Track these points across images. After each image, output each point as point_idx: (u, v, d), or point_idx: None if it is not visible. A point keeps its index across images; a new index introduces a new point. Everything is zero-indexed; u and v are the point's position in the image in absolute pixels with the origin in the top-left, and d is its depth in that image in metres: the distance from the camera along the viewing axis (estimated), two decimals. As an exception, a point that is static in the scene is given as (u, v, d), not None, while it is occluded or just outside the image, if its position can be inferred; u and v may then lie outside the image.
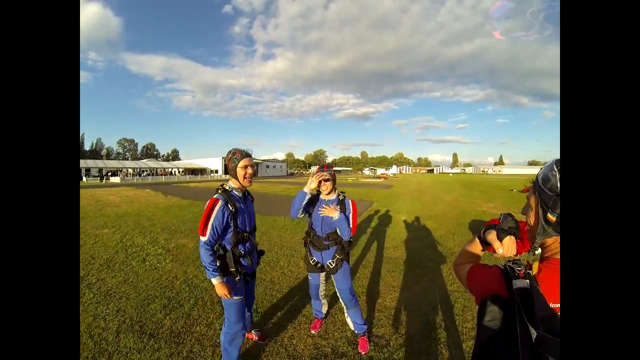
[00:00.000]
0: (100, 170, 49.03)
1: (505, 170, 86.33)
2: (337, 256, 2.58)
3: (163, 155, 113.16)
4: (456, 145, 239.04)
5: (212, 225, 2.01)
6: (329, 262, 2.60)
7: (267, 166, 75.20)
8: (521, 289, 0.78)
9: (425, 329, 3.05)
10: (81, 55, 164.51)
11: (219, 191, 2.12)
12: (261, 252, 2.53)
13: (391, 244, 6.37)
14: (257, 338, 2.77)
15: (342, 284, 2.63)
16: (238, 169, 2.13)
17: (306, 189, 2.47)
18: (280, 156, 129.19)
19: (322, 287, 2.84)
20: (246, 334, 2.72)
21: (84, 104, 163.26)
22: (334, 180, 2.58)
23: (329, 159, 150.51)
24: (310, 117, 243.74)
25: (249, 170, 2.16)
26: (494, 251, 0.96)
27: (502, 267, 0.87)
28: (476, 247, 1.10)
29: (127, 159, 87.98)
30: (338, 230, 2.51)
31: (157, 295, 3.63)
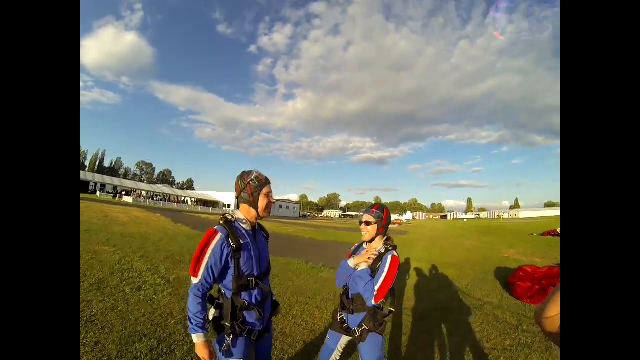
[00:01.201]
0: (115, 187, 50.26)
1: (522, 214, 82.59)
2: (364, 326, 2.06)
3: (178, 183, 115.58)
4: (470, 190, 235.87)
5: (207, 264, 1.60)
6: (355, 329, 2.10)
7: (281, 206, 75.30)
8: None
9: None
10: (114, 79, 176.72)
11: (221, 222, 1.72)
12: (275, 304, 2.04)
13: (413, 294, 5.81)
14: None
15: (368, 357, 2.10)
16: (261, 196, 1.76)
17: (351, 263, 2.12)
18: (294, 197, 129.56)
19: (336, 354, 2.25)
20: None
21: (111, 123, 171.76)
22: (381, 225, 2.12)
23: (342, 204, 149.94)
24: (327, 159, 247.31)
25: (272, 199, 1.81)
26: None
27: None
28: None
29: (143, 182, 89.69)
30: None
31: (145, 333, 3.10)
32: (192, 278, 1.62)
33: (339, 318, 2.21)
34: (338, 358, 2.28)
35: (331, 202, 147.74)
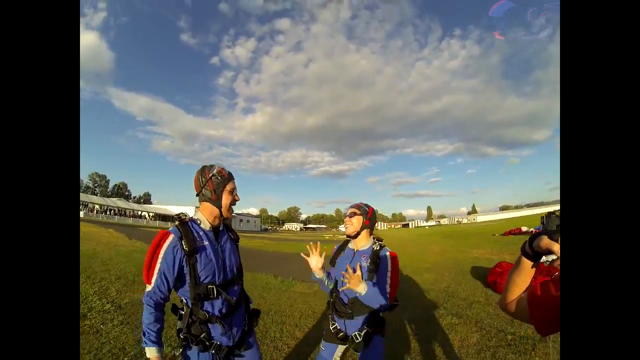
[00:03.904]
0: (63, 204, 45.86)
1: (479, 218, 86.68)
2: (366, 328, 1.86)
3: (134, 197, 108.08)
4: (429, 199, 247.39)
5: (160, 270, 1.46)
6: (355, 334, 1.88)
7: (241, 220, 74.79)
8: None
9: None
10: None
11: (176, 223, 1.57)
12: (254, 313, 1.85)
13: (399, 299, 5.43)
14: None
15: None
16: (225, 193, 1.62)
17: (316, 275, 2.07)
18: (254, 211, 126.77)
19: None
20: None
21: None
22: (367, 218, 1.99)
23: (303, 216, 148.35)
24: (285, 173, 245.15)
25: (237, 197, 1.69)
26: (551, 262, 0.88)
27: None
28: (525, 270, 0.93)
29: (96, 195, 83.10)
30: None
31: (88, 379, 2.42)
32: (147, 285, 1.48)
33: (332, 328, 2.00)
34: None
35: (292, 215, 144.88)
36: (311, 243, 2.08)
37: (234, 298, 1.64)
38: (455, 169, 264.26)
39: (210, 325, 1.54)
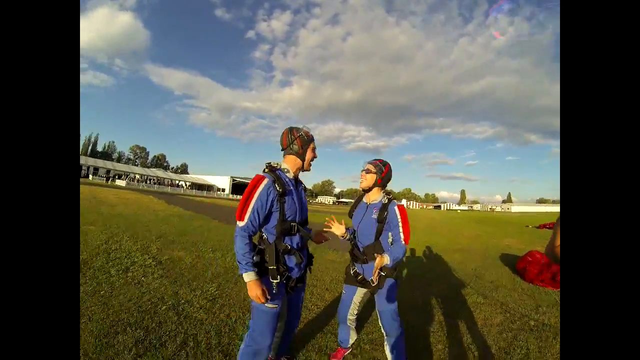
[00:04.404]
0: (108, 171, 49.19)
1: (514, 208, 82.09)
2: (380, 272, 2.05)
3: (172, 168, 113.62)
4: (464, 182, 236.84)
5: (254, 207, 1.68)
6: (372, 279, 2.08)
7: None
8: None
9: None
10: (107, 61, 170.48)
11: (265, 170, 1.81)
12: (310, 256, 2.09)
13: (427, 277, 5.54)
14: None
15: (384, 305, 2.14)
16: (309, 150, 1.92)
17: (342, 238, 2.28)
18: None
19: (354, 308, 2.31)
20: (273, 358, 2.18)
21: (104, 106, 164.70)
22: (380, 177, 2.16)
23: (336, 190, 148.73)
24: (321, 147, 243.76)
25: (316, 154, 1.97)
26: None
27: None
28: None
29: (137, 166, 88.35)
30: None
31: (131, 323, 2.67)
32: (238, 222, 1.69)
33: (352, 272, 2.26)
34: (356, 312, 2.33)
35: (325, 188, 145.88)
36: (327, 218, 2.31)
37: (308, 233, 1.93)
38: (494, 153, 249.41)
39: (287, 257, 1.82)
